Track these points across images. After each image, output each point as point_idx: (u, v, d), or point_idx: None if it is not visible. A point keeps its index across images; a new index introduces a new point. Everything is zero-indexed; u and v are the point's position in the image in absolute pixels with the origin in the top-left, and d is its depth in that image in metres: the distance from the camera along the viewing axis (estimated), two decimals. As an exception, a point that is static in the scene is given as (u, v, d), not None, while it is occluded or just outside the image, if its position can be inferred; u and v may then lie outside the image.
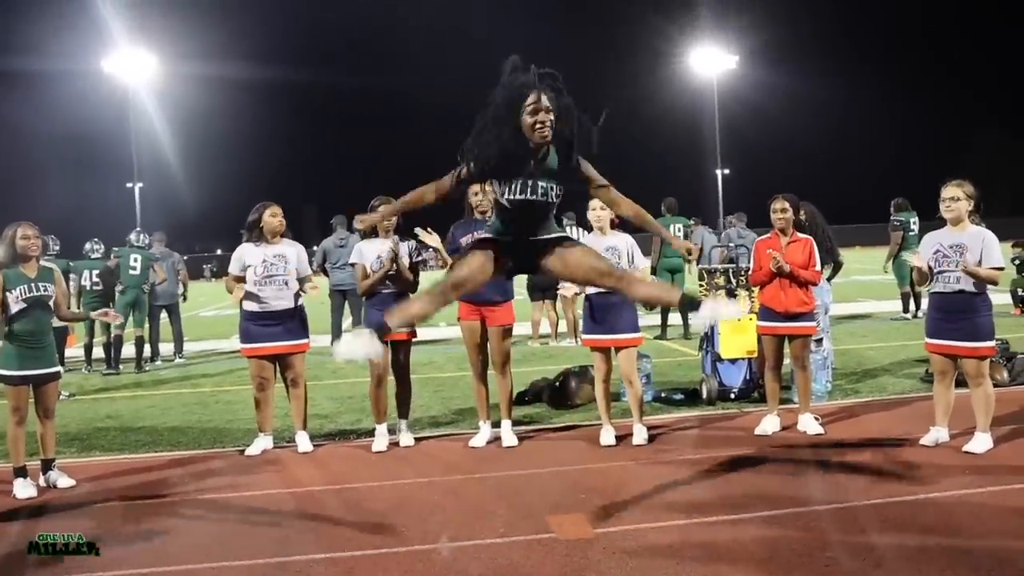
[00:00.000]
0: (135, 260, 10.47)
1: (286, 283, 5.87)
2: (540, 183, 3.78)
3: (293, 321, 5.91)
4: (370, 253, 5.87)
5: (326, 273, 10.95)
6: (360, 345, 3.69)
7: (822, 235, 6.69)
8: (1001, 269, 5.09)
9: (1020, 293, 12.38)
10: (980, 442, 5.07)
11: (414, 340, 6.05)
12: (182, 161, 57.47)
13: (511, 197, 3.78)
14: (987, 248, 5.04)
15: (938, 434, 5.26)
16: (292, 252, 5.96)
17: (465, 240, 5.72)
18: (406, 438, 5.91)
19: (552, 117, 3.70)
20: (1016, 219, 35.19)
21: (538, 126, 3.68)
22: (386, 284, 5.84)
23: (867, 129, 73.36)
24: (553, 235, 3.88)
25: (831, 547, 3.70)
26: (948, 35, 78.51)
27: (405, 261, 5.85)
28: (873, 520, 4.00)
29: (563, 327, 11.46)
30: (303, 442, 5.89)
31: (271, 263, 5.84)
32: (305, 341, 6.01)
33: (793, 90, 64.48)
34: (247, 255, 5.88)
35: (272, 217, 5.92)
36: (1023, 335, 9.27)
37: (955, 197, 5.12)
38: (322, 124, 78.54)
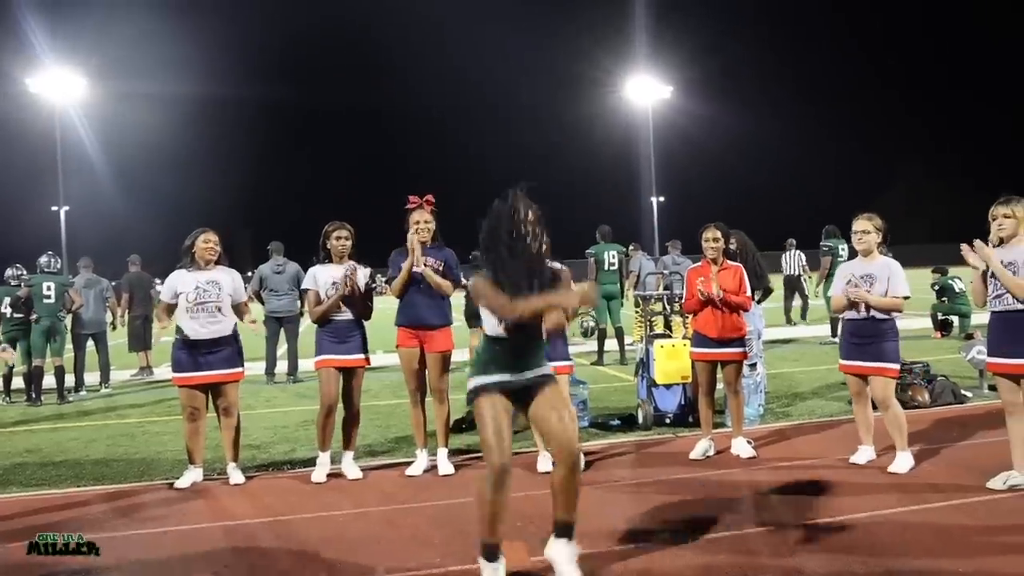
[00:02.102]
0: (48, 288, 9.90)
1: (219, 309, 5.74)
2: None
3: (227, 349, 5.77)
4: (324, 278, 5.80)
5: (260, 299, 10.74)
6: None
7: (752, 262, 6.89)
8: (906, 298, 5.37)
9: (940, 317, 12.90)
10: (902, 462, 5.29)
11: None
12: (113, 184, 55.98)
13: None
14: (893, 277, 5.35)
15: (866, 452, 5.53)
16: (226, 279, 5.84)
17: (405, 265, 5.73)
18: (353, 470, 5.78)
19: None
20: (934, 246, 36.68)
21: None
22: (340, 311, 5.76)
23: (799, 158, 75.85)
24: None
25: (764, 570, 3.77)
26: (880, 69, 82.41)
27: (362, 285, 5.79)
28: (803, 541, 4.09)
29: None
30: (235, 474, 5.74)
31: (204, 289, 5.71)
32: (239, 370, 5.87)
33: (727, 119, 66.54)
34: (179, 282, 5.74)
35: (205, 244, 5.80)
36: (943, 358, 9.65)
37: (866, 230, 5.46)
38: (259, 147, 77.38)
